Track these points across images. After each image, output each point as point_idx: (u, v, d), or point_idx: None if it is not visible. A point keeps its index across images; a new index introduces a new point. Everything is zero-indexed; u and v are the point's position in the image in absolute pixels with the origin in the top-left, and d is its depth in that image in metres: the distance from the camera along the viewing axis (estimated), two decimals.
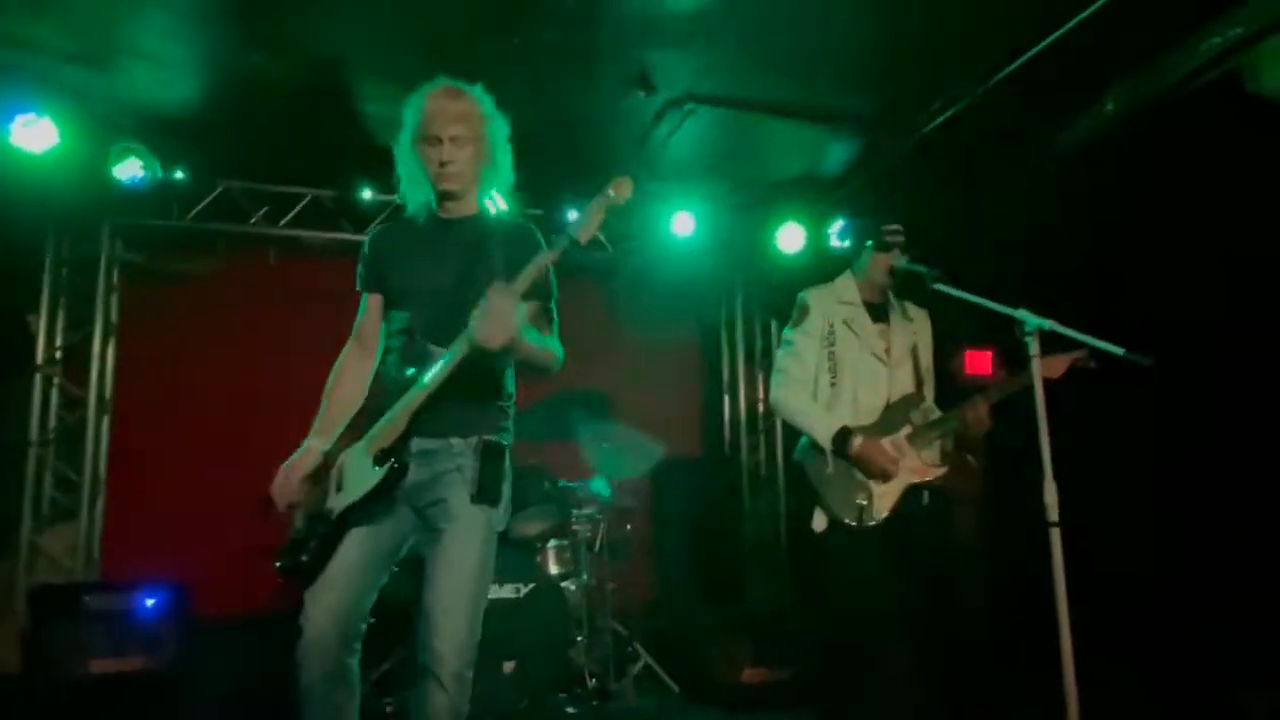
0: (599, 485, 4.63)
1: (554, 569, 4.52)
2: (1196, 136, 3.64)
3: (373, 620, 2.20)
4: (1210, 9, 3.41)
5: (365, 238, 2.45)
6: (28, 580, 4.56)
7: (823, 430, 2.93)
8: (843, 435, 2.89)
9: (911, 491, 2.95)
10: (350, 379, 2.37)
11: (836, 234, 5.32)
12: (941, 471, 3.01)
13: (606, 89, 4.16)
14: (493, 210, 2.45)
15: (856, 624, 2.90)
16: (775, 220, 5.53)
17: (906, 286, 3.14)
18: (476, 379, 2.16)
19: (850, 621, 2.93)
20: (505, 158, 2.34)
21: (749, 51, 3.93)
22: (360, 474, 2.15)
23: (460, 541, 2.13)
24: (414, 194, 2.36)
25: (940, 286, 2.84)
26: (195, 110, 4.39)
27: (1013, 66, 3.79)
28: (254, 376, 5.08)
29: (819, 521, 2.94)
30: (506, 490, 2.24)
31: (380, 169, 4.68)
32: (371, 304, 2.39)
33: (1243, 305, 3.53)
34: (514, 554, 4.22)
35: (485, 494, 2.16)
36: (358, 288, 2.42)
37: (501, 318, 1.99)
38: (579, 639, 4.36)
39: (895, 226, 3.07)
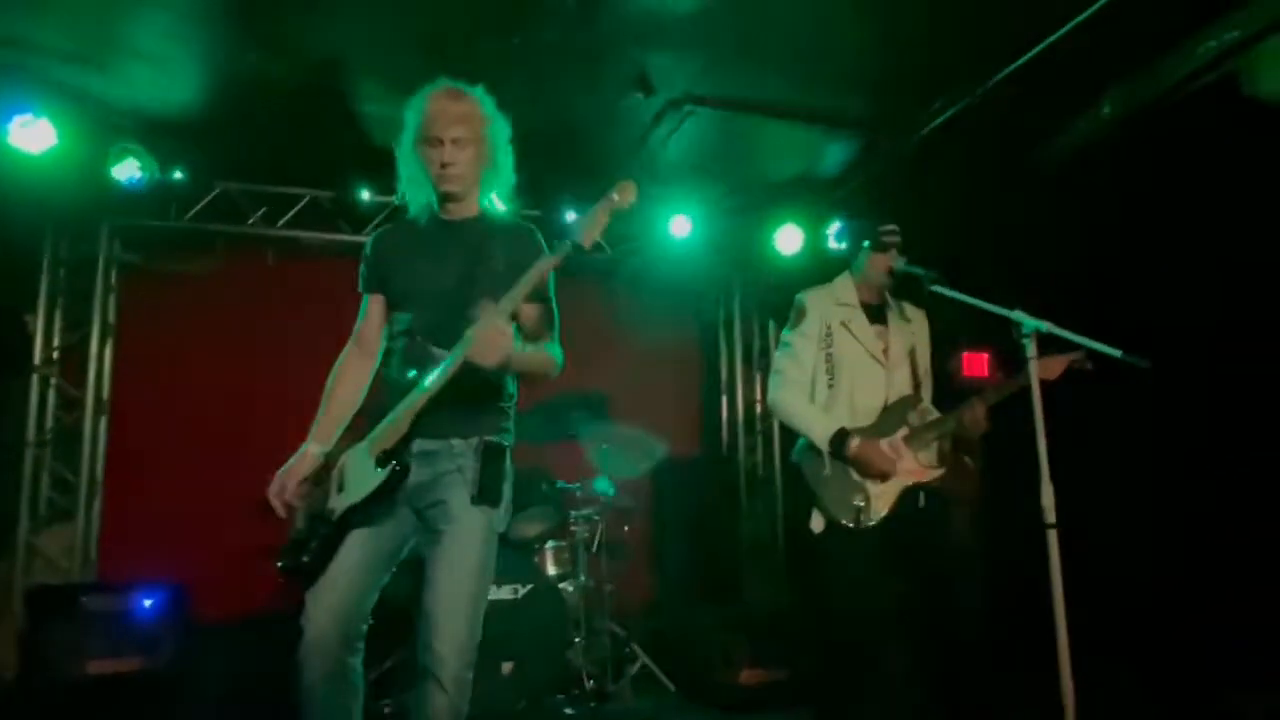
0: (602, 485, 4.63)
1: (552, 570, 4.52)
2: (1193, 139, 3.65)
3: (372, 621, 2.20)
4: (1207, 12, 3.42)
5: (364, 239, 2.46)
6: (25, 581, 4.55)
7: (820, 432, 2.94)
8: (840, 437, 2.90)
9: (908, 493, 2.95)
10: (350, 380, 2.38)
11: (834, 235, 5.33)
12: (939, 473, 3.01)
13: (606, 90, 4.16)
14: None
15: (854, 625, 2.91)
16: (773, 221, 5.54)
17: (904, 287, 3.14)
18: (477, 381, 2.16)
19: (848, 622, 2.93)
20: (506, 159, 2.35)
21: (748, 53, 3.93)
22: (362, 475, 2.15)
23: (461, 542, 2.14)
24: (415, 195, 2.36)
25: (938, 288, 2.85)
26: (193, 111, 4.38)
27: (1010, 69, 3.80)
28: (252, 377, 5.08)
29: (816, 522, 2.95)
30: (507, 491, 2.24)
31: (379, 170, 4.70)
32: (372, 305, 2.40)
33: (1239, 308, 3.54)
34: (512, 555, 4.21)
35: (486, 495, 2.17)
36: (359, 289, 2.42)
37: (493, 340, 2.01)
38: (577, 640, 4.36)
39: (892, 227, 3.08)
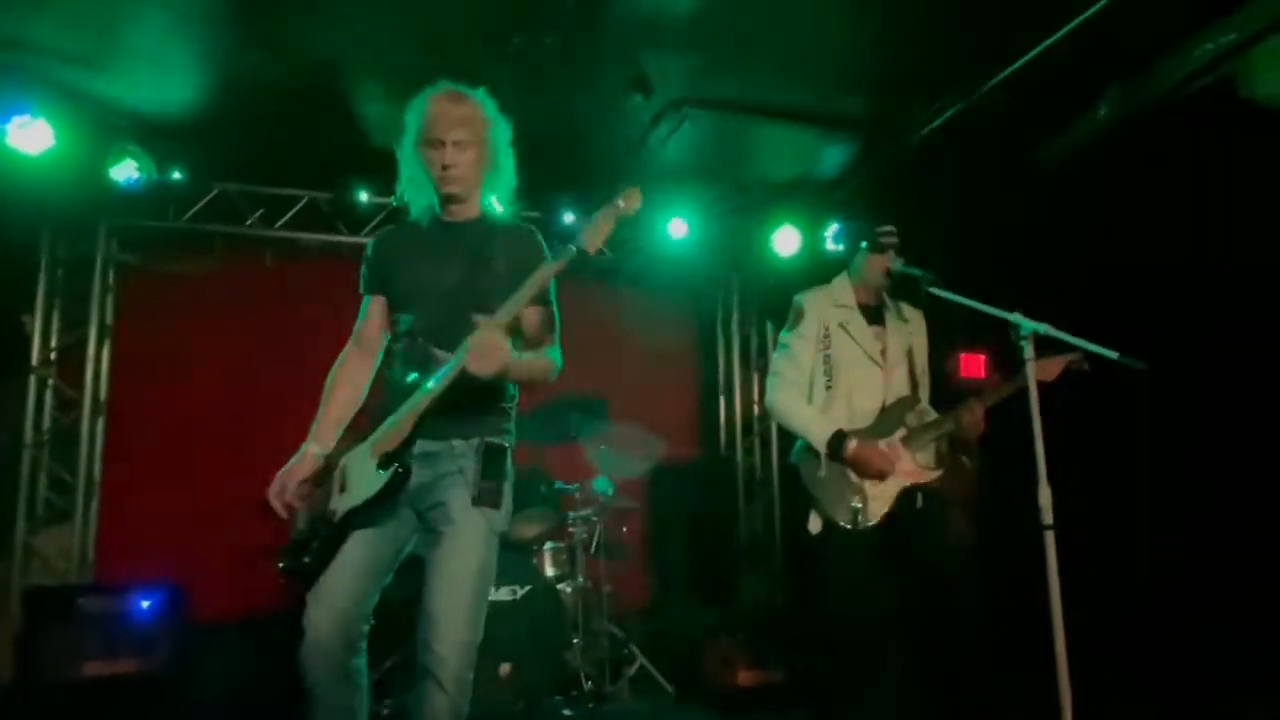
0: (602, 484, 4.64)
1: (550, 571, 4.52)
2: (1190, 142, 3.66)
3: (374, 622, 2.20)
4: (1204, 15, 3.43)
5: (362, 240, 2.47)
6: (22, 582, 4.54)
7: (818, 433, 2.94)
8: (837, 439, 2.90)
9: (906, 494, 2.95)
10: (349, 381, 2.38)
11: (831, 237, 5.34)
12: (936, 474, 3.01)
13: (605, 92, 4.16)
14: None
15: (852, 626, 2.91)
16: (771, 223, 5.55)
17: (902, 287, 3.15)
18: (478, 383, 2.16)
19: (845, 623, 2.93)
20: (508, 161, 2.35)
21: (746, 54, 3.94)
22: (364, 477, 2.15)
23: (461, 544, 2.14)
24: (417, 197, 2.37)
25: (935, 290, 2.85)
26: (192, 111, 4.38)
27: (1008, 71, 3.81)
28: (250, 378, 5.08)
29: (814, 524, 2.95)
30: (508, 492, 2.24)
31: (377, 171, 4.71)
32: (373, 306, 2.40)
33: (1237, 309, 3.55)
34: (511, 556, 4.21)
35: (486, 496, 2.17)
36: (360, 290, 2.42)
37: (489, 353, 2.02)
38: (575, 641, 4.36)
39: (889, 228, 3.08)
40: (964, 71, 3.97)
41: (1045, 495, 2.42)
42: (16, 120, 4.08)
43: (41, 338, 4.85)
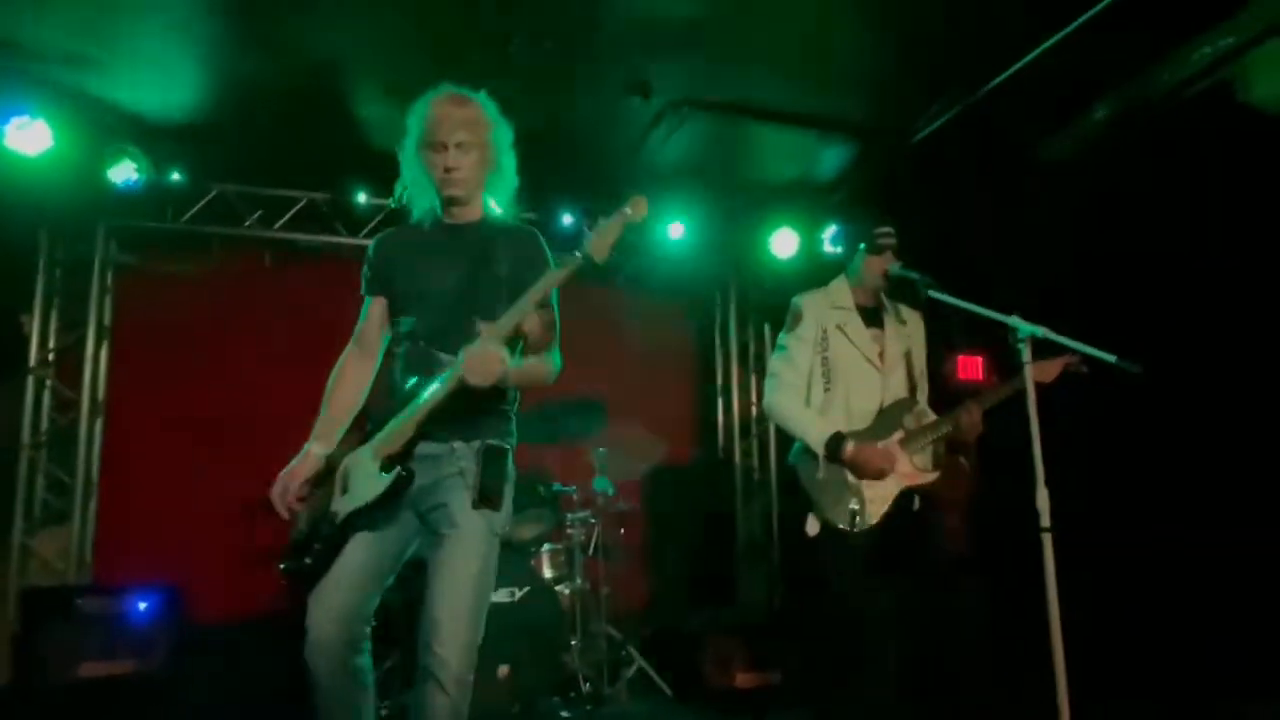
0: (602, 484, 4.64)
1: (548, 573, 4.52)
2: (1186, 145, 3.67)
3: (375, 622, 2.21)
4: (1202, 20, 3.44)
5: (360, 241, 2.47)
6: (19, 583, 4.54)
7: (815, 436, 2.94)
8: (835, 441, 2.90)
9: (903, 496, 2.96)
10: (351, 381, 2.38)
11: (830, 239, 5.35)
12: (933, 476, 3.02)
13: (603, 94, 4.17)
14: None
15: (849, 628, 2.91)
16: (769, 225, 5.56)
17: (900, 289, 3.15)
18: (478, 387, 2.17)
19: (843, 625, 2.94)
20: (510, 163, 2.36)
21: (744, 57, 3.95)
22: (366, 479, 2.15)
23: (462, 546, 2.14)
24: (419, 199, 2.37)
25: (934, 293, 2.86)
26: (190, 113, 4.39)
27: (1006, 74, 3.82)
28: (248, 379, 5.07)
29: (812, 526, 2.95)
30: (508, 493, 2.24)
31: (375, 173, 4.72)
32: (374, 308, 2.40)
33: (1236, 310, 3.56)
34: (508, 557, 4.19)
35: (487, 498, 2.17)
36: (361, 291, 2.43)
37: (485, 365, 2.04)
38: (573, 643, 4.36)
39: (887, 229, 3.08)
40: (961, 74, 3.98)
41: (1043, 497, 2.43)
42: (15, 121, 4.08)
43: (40, 338, 4.84)
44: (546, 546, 4.56)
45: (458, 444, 2.20)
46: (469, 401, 2.16)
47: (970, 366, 4.71)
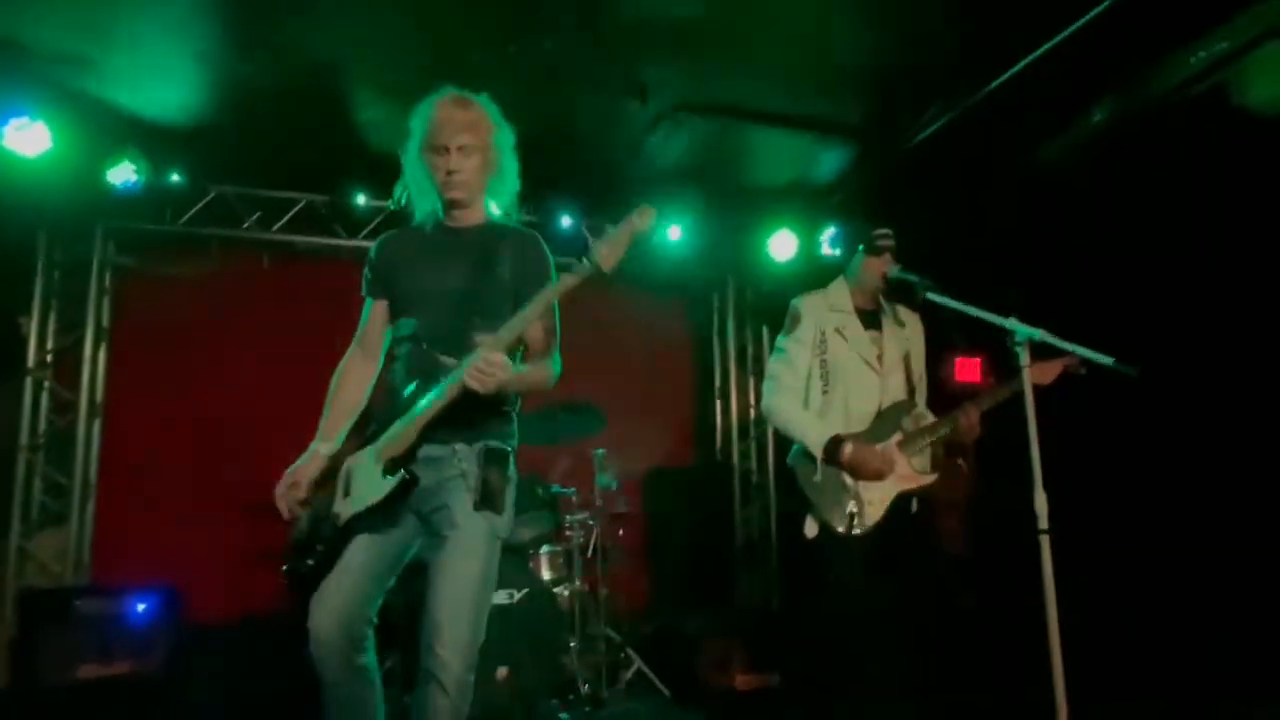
0: (604, 481, 4.65)
1: (547, 574, 4.52)
2: (1183, 147, 3.68)
3: (376, 622, 2.21)
4: (1198, 24, 3.45)
5: (359, 243, 2.47)
6: (17, 585, 4.53)
7: (814, 438, 2.94)
8: (833, 444, 2.90)
9: (901, 498, 2.96)
10: (353, 383, 2.39)
11: (828, 241, 5.35)
12: (931, 479, 3.02)
13: (602, 97, 4.18)
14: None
15: (847, 630, 2.91)
16: (767, 228, 5.56)
17: (899, 291, 3.15)
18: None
19: (841, 627, 2.94)
20: (512, 166, 2.37)
21: (742, 59, 3.95)
22: (369, 482, 2.16)
23: (463, 548, 2.15)
24: (421, 202, 2.38)
25: (932, 295, 2.86)
26: (189, 115, 4.39)
27: (1004, 77, 3.83)
28: (246, 381, 5.07)
29: (810, 528, 2.95)
30: (510, 495, 2.25)
31: (374, 175, 4.72)
32: (375, 310, 2.41)
33: (1235, 311, 3.56)
34: (507, 559, 4.20)
35: (488, 500, 2.18)
36: (363, 293, 2.43)
37: (487, 375, 2.04)
38: (572, 644, 4.36)
39: (886, 230, 3.08)
40: (959, 77, 3.99)
41: (1041, 499, 2.43)
42: (14, 122, 4.08)
43: (38, 340, 4.83)
44: (545, 548, 4.56)
45: (460, 446, 2.21)
46: (471, 405, 2.16)
47: (968, 369, 4.71)
